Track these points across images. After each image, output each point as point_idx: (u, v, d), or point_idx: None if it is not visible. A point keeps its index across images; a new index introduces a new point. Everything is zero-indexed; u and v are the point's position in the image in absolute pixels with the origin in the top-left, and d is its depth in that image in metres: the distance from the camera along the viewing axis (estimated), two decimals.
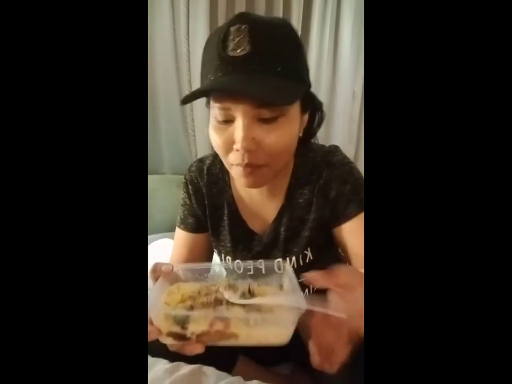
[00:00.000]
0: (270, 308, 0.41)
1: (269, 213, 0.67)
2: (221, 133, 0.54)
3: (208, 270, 0.53)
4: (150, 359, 0.64)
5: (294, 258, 0.66)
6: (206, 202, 0.71)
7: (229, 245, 0.70)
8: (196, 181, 0.71)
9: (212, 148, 0.60)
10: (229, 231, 0.69)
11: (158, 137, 1.72)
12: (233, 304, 0.42)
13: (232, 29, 0.49)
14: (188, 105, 1.72)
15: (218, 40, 0.50)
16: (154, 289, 0.45)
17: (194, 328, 0.38)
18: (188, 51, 1.62)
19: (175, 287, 0.47)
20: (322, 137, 0.71)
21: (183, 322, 0.38)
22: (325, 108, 0.64)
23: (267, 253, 0.68)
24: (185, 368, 0.60)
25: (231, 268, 0.50)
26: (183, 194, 0.74)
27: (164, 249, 1.28)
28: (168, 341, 0.40)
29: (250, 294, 0.44)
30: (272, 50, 0.49)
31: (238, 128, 0.51)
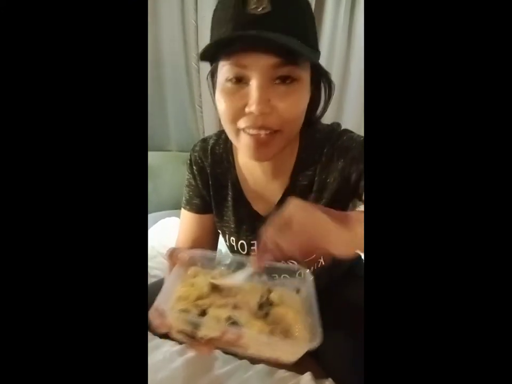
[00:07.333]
0: (289, 325, 0.41)
1: (273, 195, 0.66)
2: (231, 95, 0.51)
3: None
4: (158, 340, 0.65)
5: None
6: (210, 182, 0.69)
7: (233, 225, 0.69)
8: (199, 161, 0.70)
9: (221, 125, 0.57)
10: (233, 212, 0.68)
11: (164, 113, 1.68)
12: (252, 315, 0.43)
13: None
14: (195, 79, 1.67)
15: None
16: (169, 280, 0.45)
17: (206, 332, 0.39)
18: (196, 22, 1.56)
19: (191, 275, 0.48)
20: (333, 118, 0.68)
21: (195, 325, 0.39)
22: (337, 89, 0.61)
23: None
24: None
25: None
26: (188, 175, 0.72)
27: (171, 229, 1.28)
28: (178, 337, 0.41)
29: (269, 303, 0.45)
30: (292, 12, 0.48)
31: (253, 89, 0.48)
